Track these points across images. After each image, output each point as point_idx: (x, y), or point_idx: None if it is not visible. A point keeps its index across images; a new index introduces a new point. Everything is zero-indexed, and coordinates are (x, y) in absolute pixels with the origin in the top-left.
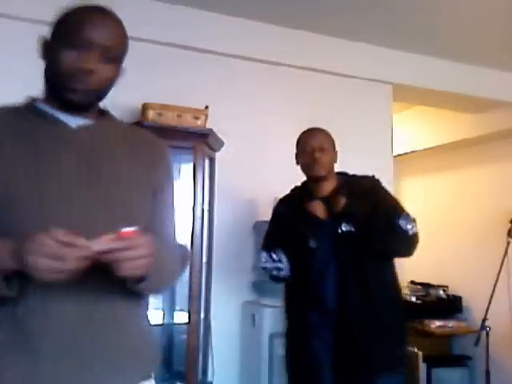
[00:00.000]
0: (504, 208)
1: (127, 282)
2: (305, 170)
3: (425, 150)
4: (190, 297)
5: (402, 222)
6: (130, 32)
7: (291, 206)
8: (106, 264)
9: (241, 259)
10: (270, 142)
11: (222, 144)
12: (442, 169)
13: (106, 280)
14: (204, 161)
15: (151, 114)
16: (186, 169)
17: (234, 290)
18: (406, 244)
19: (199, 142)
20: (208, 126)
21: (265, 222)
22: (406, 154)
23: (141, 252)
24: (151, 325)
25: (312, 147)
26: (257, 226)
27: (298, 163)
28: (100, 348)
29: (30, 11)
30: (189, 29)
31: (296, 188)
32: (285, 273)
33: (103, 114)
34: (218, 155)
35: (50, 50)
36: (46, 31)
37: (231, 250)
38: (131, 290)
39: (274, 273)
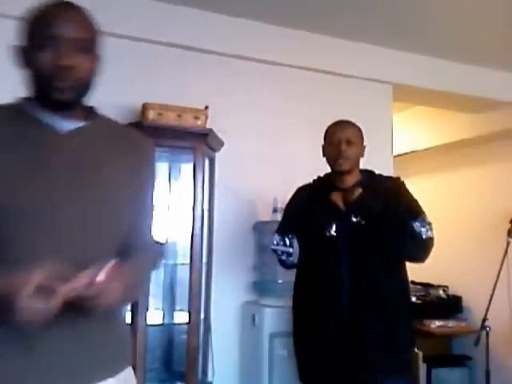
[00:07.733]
0: (504, 208)
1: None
2: (330, 162)
3: (425, 149)
4: (190, 297)
5: (416, 225)
6: (130, 32)
7: (311, 194)
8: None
9: (241, 259)
10: (270, 142)
11: (221, 144)
12: (442, 169)
13: None
14: (204, 161)
15: (151, 114)
16: (186, 169)
17: (234, 290)
18: (418, 247)
19: (199, 142)
20: (208, 126)
21: (265, 222)
22: (405, 154)
23: (111, 296)
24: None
25: (339, 140)
26: (257, 226)
27: (324, 155)
28: (86, 348)
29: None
30: (189, 29)
31: (318, 178)
32: (293, 259)
33: (91, 112)
34: (218, 155)
35: (26, 55)
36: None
37: (231, 250)
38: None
39: (283, 257)
